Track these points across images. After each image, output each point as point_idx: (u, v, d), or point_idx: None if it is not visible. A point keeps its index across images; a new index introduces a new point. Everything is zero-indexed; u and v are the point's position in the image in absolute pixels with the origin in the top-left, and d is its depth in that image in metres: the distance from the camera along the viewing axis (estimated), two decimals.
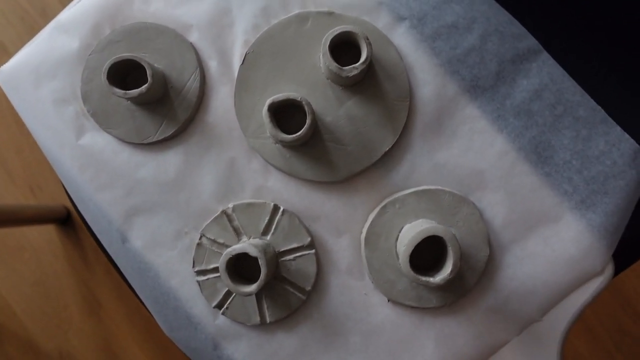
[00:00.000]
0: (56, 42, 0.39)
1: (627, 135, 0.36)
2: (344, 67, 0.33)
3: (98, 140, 0.38)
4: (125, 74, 0.37)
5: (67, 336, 0.95)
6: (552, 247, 0.36)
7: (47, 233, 0.96)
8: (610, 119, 0.36)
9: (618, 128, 0.36)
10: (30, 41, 0.39)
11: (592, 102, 0.37)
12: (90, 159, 0.38)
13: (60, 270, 0.95)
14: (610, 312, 0.94)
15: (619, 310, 0.94)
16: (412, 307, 0.37)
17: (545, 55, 0.37)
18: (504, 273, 0.37)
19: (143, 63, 0.34)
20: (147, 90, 0.34)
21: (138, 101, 0.36)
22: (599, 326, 0.94)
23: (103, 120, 0.38)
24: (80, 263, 0.95)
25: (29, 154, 0.97)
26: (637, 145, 0.36)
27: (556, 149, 0.37)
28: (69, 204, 0.92)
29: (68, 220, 0.96)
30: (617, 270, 0.38)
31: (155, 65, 0.37)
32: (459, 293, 0.36)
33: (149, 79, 0.34)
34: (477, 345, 0.36)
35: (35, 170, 0.97)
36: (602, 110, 0.37)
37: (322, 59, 0.34)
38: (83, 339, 0.95)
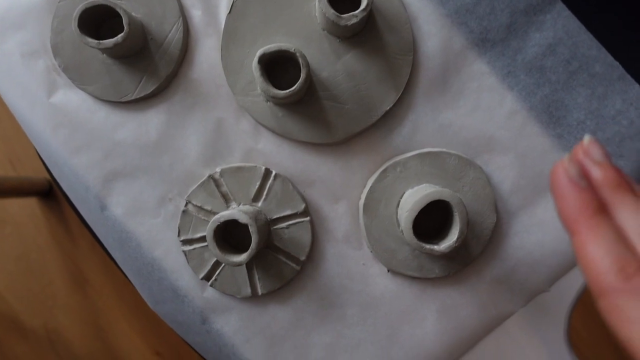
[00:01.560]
0: None
1: None
2: (342, 15, 0.30)
3: (72, 97, 0.35)
4: (99, 23, 0.34)
5: (52, 312, 0.92)
6: None
7: (29, 206, 0.92)
8: (628, 76, 0.34)
9: (637, 86, 0.34)
10: None
11: (610, 58, 0.34)
12: (64, 119, 0.35)
13: (44, 245, 0.92)
14: None
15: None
16: (413, 278, 0.35)
17: (560, 5, 0.34)
18: (511, 241, 0.34)
19: (118, 9, 0.31)
20: (123, 41, 0.31)
21: (114, 53, 0.33)
22: (591, 297, 0.93)
23: (76, 75, 0.34)
24: (65, 237, 0.92)
25: (8, 124, 0.92)
26: None
27: (569, 109, 0.34)
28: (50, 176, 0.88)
29: (50, 193, 0.92)
30: None
31: (133, 13, 0.33)
32: (463, 262, 0.34)
33: (125, 27, 0.31)
34: (481, 317, 0.34)
35: (14, 142, 0.93)
36: (620, 67, 0.34)
37: (318, 6, 0.31)
38: (69, 315, 0.92)
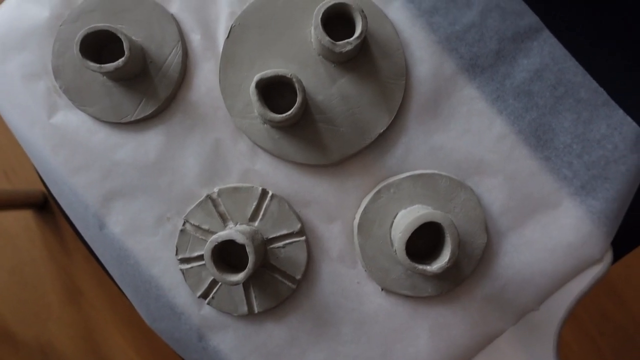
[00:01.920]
0: (24, 11, 0.35)
1: (629, 119, 0.35)
2: (337, 42, 0.31)
3: (72, 118, 0.36)
4: (100, 47, 0.35)
5: (46, 325, 0.92)
6: (551, 234, 0.35)
7: (24, 219, 0.92)
8: (612, 102, 0.35)
9: (620, 111, 0.35)
10: None
11: (594, 84, 0.35)
12: (64, 139, 0.36)
13: (38, 257, 0.92)
14: (593, 298, 0.95)
15: (602, 297, 0.95)
16: (407, 296, 0.35)
17: (546, 33, 0.35)
18: (501, 261, 0.35)
19: (119, 34, 0.32)
20: (124, 64, 0.32)
21: (114, 76, 0.34)
22: (583, 312, 0.94)
23: (77, 97, 0.35)
24: (59, 249, 0.92)
25: (2, 136, 0.92)
26: (639, 128, 0.35)
27: (556, 132, 0.35)
28: (45, 189, 0.88)
29: (45, 206, 0.92)
30: (616, 258, 0.37)
31: (133, 37, 0.34)
32: (455, 282, 0.35)
33: (126, 51, 0.32)
34: (473, 335, 0.35)
35: (9, 153, 0.93)
36: (605, 92, 0.35)
37: (314, 33, 0.32)
38: (63, 328, 0.92)
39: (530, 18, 0.35)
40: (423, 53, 0.35)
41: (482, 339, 0.35)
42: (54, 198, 0.38)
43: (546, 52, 0.35)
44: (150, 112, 0.35)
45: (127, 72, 0.34)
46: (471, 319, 0.35)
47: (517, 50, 0.35)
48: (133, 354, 0.92)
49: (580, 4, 0.37)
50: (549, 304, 0.36)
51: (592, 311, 0.94)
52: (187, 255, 0.35)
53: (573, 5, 0.38)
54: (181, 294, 0.36)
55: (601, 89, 0.35)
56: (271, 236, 0.35)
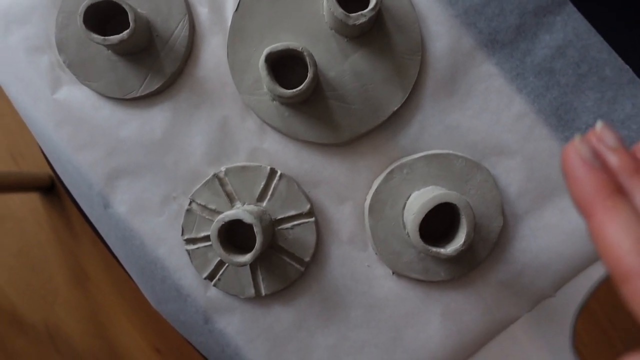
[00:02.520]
0: None
1: None
2: (350, 14, 0.30)
3: (76, 94, 0.35)
4: (105, 20, 0.33)
5: (53, 308, 0.92)
6: (569, 218, 0.34)
7: (31, 202, 0.92)
8: (638, 80, 0.33)
9: None
10: None
11: (620, 61, 0.33)
12: (68, 115, 0.35)
13: (45, 240, 0.92)
14: (604, 287, 0.93)
15: (614, 287, 0.93)
16: (418, 280, 0.34)
17: (570, 7, 0.34)
18: (517, 245, 0.34)
19: (124, 5, 0.30)
20: (128, 37, 0.31)
21: (119, 50, 0.33)
22: (595, 303, 0.93)
23: (81, 71, 0.34)
24: (66, 233, 0.92)
25: (10, 119, 0.92)
26: None
27: (578, 112, 0.34)
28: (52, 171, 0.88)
29: (52, 189, 0.92)
30: None
31: (139, 9, 0.33)
32: (469, 266, 0.34)
33: (131, 23, 0.30)
34: (486, 321, 0.34)
35: (16, 137, 0.92)
36: (631, 70, 0.33)
37: (326, 5, 0.31)
38: (70, 311, 0.92)
39: None
40: (440, 27, 0.33)
41: (496, 326, 0.34)
42: (60, 179, 0.38)
43: (570, 27, 0.34)
44: (156, 87, 0.34)
45: (133, 46, 0.32)
46: (485, 304, 0.34)
47: (539, 25, 0.34)
48: (139, 337, 0.92)
49: None
50: (566, 291, 0.34)
51: (604, 302, 0.93)
52: (193, 235, 0.34)
53: None
54: (187, 275, 0.35)
55: (627, 67, 0.33)
56: (279, 217, 0.34)
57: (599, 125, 0.18)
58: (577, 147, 0.17)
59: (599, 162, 0.17)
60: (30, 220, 0.92)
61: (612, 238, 0.15)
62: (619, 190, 0.16)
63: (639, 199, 0.16)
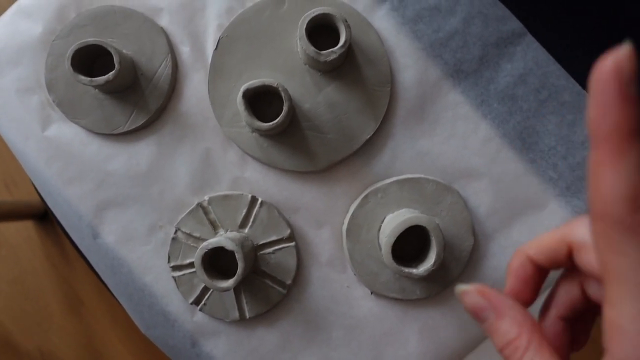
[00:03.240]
0: (18, 27, 0.36)
1: None
2: (321, 52, 0.32)
3: (65, 131, 0.36)
4: (92, 60, 0.35)
5: (48, 335, 0.92)
6: (537, 235, 0.36)
7: (25, 229, 0.93)
8: None
9: None
10: None
11: (577, 87, 0.36)
12: (58, 151, 0.36)
13: (40, 268, 0.93)
14: None
15: None
16: (396, 299, 0.36)
17: (529, 38, 0.36)
18: (489, 263, 0.36)
19: (109, 48, 0.33)
20: (114, 78, 0.33)
21: (106, 89, 0.35)
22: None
23: (70, 110, 0.36)
24: (60, 259, 0.93)
25: (3, 148, 0.93)
26: None
27: (541, 135, 0.36)
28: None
29: (46, 216, 0.93)
30: None
31: (124, 51, 0.35)
32: (444, 284, 0.35)
33: (116, 65, 0.32)
34: (462, 337, 0.36)
35: (9, 165, 0.94)
36: (587, 95, 0.36)
37: (299, 43, 0.33)
38: (65, 337, 0.92)
39: (513, 23, 0.36)
40: (408, 60, 0.36)
41: (471, 341, 0.36)
42: (49, 209, 0.39)
43: (529, 56, 0.36)
44: (141, 123, 0.36)
45: (118, 85, 0.34)
46: (460, 321, 0.36)
47: (500, 55, 0.36)
48: None
49: (563, 8, 0.38)
50: (538, 304, 0.36)
51: None
52: (179, 262, 0.36)
53: (555, 9, 0.38)
54: (174, 301, 0.36)
55: (584, 92, 0.36)
56: (261, 242, 0.36)
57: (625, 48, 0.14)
58: (620, 65, 0.14)
59: (636, 90, 0.14)
60: (25, 247, 0.93)
61: (609, 178, 0.14)
62: (637, 134, 0.14)
63: None
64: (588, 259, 0.19)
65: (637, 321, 0.15)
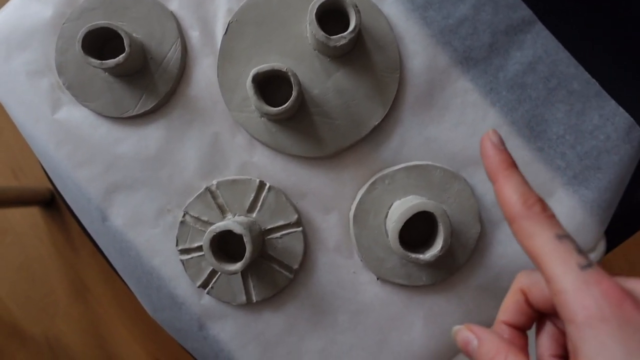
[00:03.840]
0: (28, 9, 0.36)
1: (621, 109, 0.35)
2: (331, 37, 0.32)
3: (75, 114, 0.37)
4: (102, 44, 0.36)
5: (53, 320, 0.93)
6: None
7: (31, 216, 0.94)
8: (604, 93, 0.36)
9: (613, 102, 0.35)
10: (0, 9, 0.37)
11: (587, 75, 0.36)
12: (67, 134, 0.37)
13: (46, 254, 0.93)
14: None
15: None
16: (402, 285, 0.36)
17: (539, 26, 0.36)
18: (495, 250, 0.36)
19: (120, 31, 0.33)
20: (124, 61, 0.33)
21: (116, 72, 0.35)
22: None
23: (80, 93, 0.36)
24: (66, 246, 0.94)
25: (10, 135, 0.94)
26: (631, 119, 0.35)
27: (549, 123, 0.36)
28: (52, 186, 0.90)
29: (52, 203, 0.94)
30: (609, 248, 0.37)
31: (134, 34, 0.35)
32: (450, 271, 0.35)
33: (127, 48, 0.33)
34: (467, 323, 0.36)
35: (17, 152, 0.94)
36: (597, 84, 0.36)
37: (309, 28, 0.33)
38: (70, 323, 0.93)
39: (523, 11, 0.36)
40: (417, 46, 0.35)
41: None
42: (59, 194, 0.39)
43: (539, 44, 0.36)
44: (150, 106, 0.36)
45: (128, 68, 0.34)
46: (465, 307, 0.36)
47: (510, 43, 0.36)
48: (138, 348, 0.93)
49: None
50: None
51: None
52: (187, 246, 0.36)
53: None
54: (182, 284, 0.37)
55: (593, 80, 0.36)
56: (269, 227, 0.36)
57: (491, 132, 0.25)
58: (490, 135, 0.24)
59: (504, 146, 0.24)
60: (31, 234, 0.94)
61: (507, 193, 0.22)
62: (514, 165, 0.23)
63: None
64: (535, 296, 0.23)
65: (567, 277, 0.19)
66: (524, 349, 0.24)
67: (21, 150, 0.94)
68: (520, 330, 0.24)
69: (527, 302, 0.24)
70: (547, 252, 0.20)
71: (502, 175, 0.23)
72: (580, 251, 0.20)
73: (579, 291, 0.19)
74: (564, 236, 0.20)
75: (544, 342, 0.24)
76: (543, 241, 0.20)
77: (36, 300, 0.94)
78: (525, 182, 0.23)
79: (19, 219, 0.94)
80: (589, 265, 0.19)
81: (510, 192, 0.22)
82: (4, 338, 0.94)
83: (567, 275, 0.19)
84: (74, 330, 0.93)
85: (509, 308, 0.24)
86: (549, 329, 0.24)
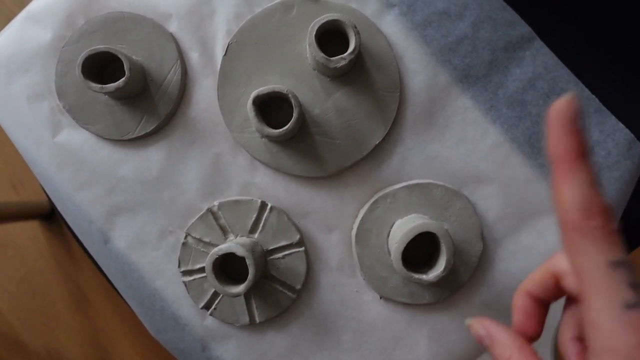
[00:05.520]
0: (28, 33, 0.37)
1: (621, 125, 0.36)
2: (331, 58, 0.32)
3: (75, 137, 0.37)
4: (102, 66, 0.36)
5: (54, 334, 0.93)
6: (546, 239, 0.36)
7: (31, 229, 0.94)
8: (604, 109, 0.36)
9: (613, 118, 0.36)
10: None
11: (587, 91, 0.36)
12: (68, 157, 0.37)
13: (46, 267, 0.93)
14: None
15: None
16: (405, 304, 0.36)
17: (538, 42, 0.36)
18: (498, 267, 0.36)
19: (120, 55, 0.33)
20: (124, 84, 0.33)
21: (116, 95, 0.35)
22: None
23: (80, 116, 0.36)
24: (67, 259, 0.93)
25: (10, 149, 0.94)
26: (631, 135, 0.36)
27: None
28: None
29: (52, 216, 0.93)
30: None
31: (133, 57, 0.35)
32: (453, 288, 0.35)
33: (127, 72, 0.33)
34: (470, 341, 0.36)
35: (16, 166, 0.94)
36: (597, 100, 0.36)
37: (309, 49, 0.33)
38: (71, 336, 0.93)
39: (522, 28, 0.36)
40: (417, 65, 0.36)
41: (480, 346, 0.36)
42: (59, 214, 0.39)
43: (538, 61, 0.36)
44: (151, 128, 0.36)
45: (128, 91, 0.34)
46: None
47: (509, 60, 0.36)
48: None
49: (571, 13, 0.38)
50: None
51: None
52: (189, 267, 0.36)
53: (564, 14, 0.38)
54: (184, 305, 0.37)
55: (593, 96, 0.36)
56: (271, 247, 0.36)
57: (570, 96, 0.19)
58: (561, 105, 0.18)
59: (576, 124, 0.18)
60: (31, 247, 0.93)
61: (567, 192, 0.18)
62: (586, 155, 0.18)
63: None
64: (569, 283, 0.22)
65: (605, 313, 0.17)
66: (538, 330, 0.24)
67: (21, 163, 0.94)
68: (541, 304, 0.24)
69: (557, 284, 0.23)
70: (593, 277, 0.17)
71: (565, 168, 0.18)
72: (635, 285, 0.17)
73: (613, 333, 0.17)
74: (619, 263, 0.17)
75: (569, 321, 0.23)
76: (593, 264, 0.17)
77: (37, 314, 0.93)
78: (593, 182, 0.18)
79: (20, 233, 0.94)
80: (636, 304, 0.17)
81: (570, 194, 0.18)
82: (6, 352, 0.93)
83: (607, 311, 0.17)
84: (75, 343, 0.93)
85: (536, 282, 0.23)
86: (576, 311, 0.23)
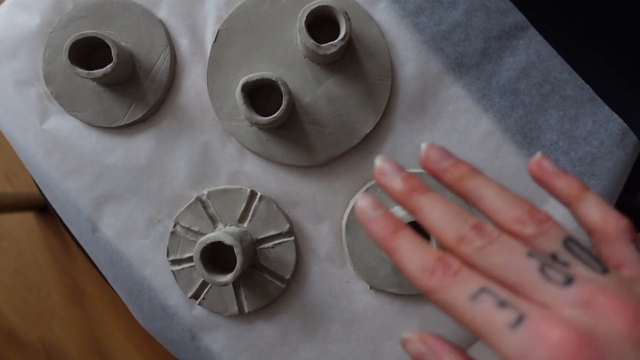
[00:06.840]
0: (15, 18, 0.36)
1: (615, 115, 0.35)
2: (321, 45, 0.31)
3: (63, 124, 0.36)
4: (89, 52, 0.35)
5: (50, 325, 0.93)
6: None
7: (26, 221, 0.93)
8: (598, 98, 0.35)
9: (606, 107, 0.35)
10: None
11: (580, 81, 0.35)
12: (56, 144, 0.36)
13: (41, 259, 0.93)
14: None
15: None
16: (395, 294, 0.36)
17: (532, 31, 0.35)
18: None
19: (107, 41, 0.32)
20: (112, 70, 0.32)
21: (104, 82, 0.34)
22: None
23: (68, 102, 0.36)
24: (62, 251, 0.93)
25: (3, 140, 0.93)
26: (625, 125, 0.35)
27: (543, 130, 0.35)
28: None
29: (47, 208, 0.93)
30: None
31: (122, 43, 0.35)
32: None
33: (114, 58, 0.32)
34: (461, 332, 0.36)
35: (10, 157, 0.94)
36: (590, 89, 0.35)
37: (299, 36, 0.32)
38: (67, 328, 0.93)
39: (516, 16, 0.35)
40: (409, 53, 0.35)
41: (470, 336, 0.36)
42: (48, 202, 0.39)
43: (532, 50, 0.35)
44: (140, 116, 0.35)
45: (116, 78, 0.34)
46: None
47: (503, 49, 0.35)
48: (135, 352, 0.93)
49: (566, 2, 0.37)
50: None
51: None
52: (178, 256, 0.36)
53: (559, 3, 0.38)
54: (173, 295, 0.36)
55: (587, 86, 0.35)
56: (260, 237, 0.35)
57: (377, 161, 0.20)
58: (362, 204, 0.19)
59: (379, 212, 0.19)
60: (26, 239, 0.93)
61: (407, 267, 0.17)
62: (398, 227, 0.18)
63: (424, 215, 0.19)
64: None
65: (507, 347, 0.15)
66: None
67: (14, 155, 0.93)
68: None
69: None
70: (469, 320, 0.16)
71: (392, 245, 0.18)
72: (502, 303, 0.15)
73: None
74: (480, 290, 0.16)
75: None
76: (460, 309, 0.16)
77: (32, 306, 0.93)
78: (419, 241, 0.18)
79: (14, 224, 0.93)
80: (517, 322, 0.15)
81: (409, 264, 0.17)
82: (1, 344, 0.93)
83: (502, 342, 0.15)
84: (70, 334, 0.93)
85: None
86: None
